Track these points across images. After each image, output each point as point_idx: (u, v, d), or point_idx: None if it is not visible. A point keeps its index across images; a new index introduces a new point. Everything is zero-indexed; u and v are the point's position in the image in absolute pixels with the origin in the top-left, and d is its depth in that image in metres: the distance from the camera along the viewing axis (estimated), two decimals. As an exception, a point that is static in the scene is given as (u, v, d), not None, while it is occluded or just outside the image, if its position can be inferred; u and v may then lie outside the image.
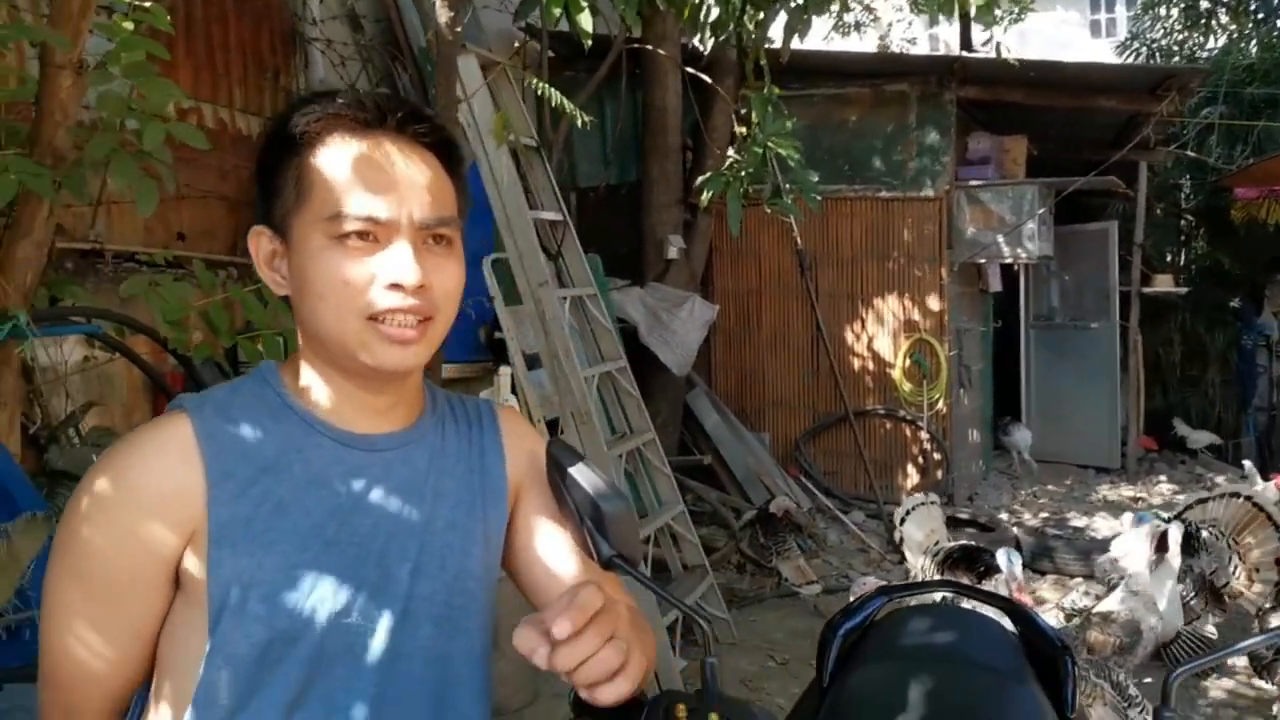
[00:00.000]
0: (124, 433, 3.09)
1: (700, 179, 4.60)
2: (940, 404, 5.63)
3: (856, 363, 5.83)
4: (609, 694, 0.74)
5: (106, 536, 0.84)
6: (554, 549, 1.02)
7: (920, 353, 5.65)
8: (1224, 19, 8.91)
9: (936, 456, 5.67)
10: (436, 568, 0.94)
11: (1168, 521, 3.52)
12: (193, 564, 0.85)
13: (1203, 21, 8.98)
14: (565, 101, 3.26)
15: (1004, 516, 5.48)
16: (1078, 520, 5.45)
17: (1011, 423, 6.81)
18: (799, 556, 4.09)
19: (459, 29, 2.97)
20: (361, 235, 0.86)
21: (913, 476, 5.74)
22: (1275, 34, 8.64)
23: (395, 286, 0.86)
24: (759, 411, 6.01)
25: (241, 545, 0.85)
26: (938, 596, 2.29)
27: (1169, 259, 7.94)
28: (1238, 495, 4.02)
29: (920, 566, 3.35)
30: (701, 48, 5.35)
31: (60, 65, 2.05)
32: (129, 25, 1.77)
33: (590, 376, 3.68)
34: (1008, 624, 1.76)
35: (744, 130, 4.47)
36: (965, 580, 3.19)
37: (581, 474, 0.99)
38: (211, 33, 3.84)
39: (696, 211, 5.50)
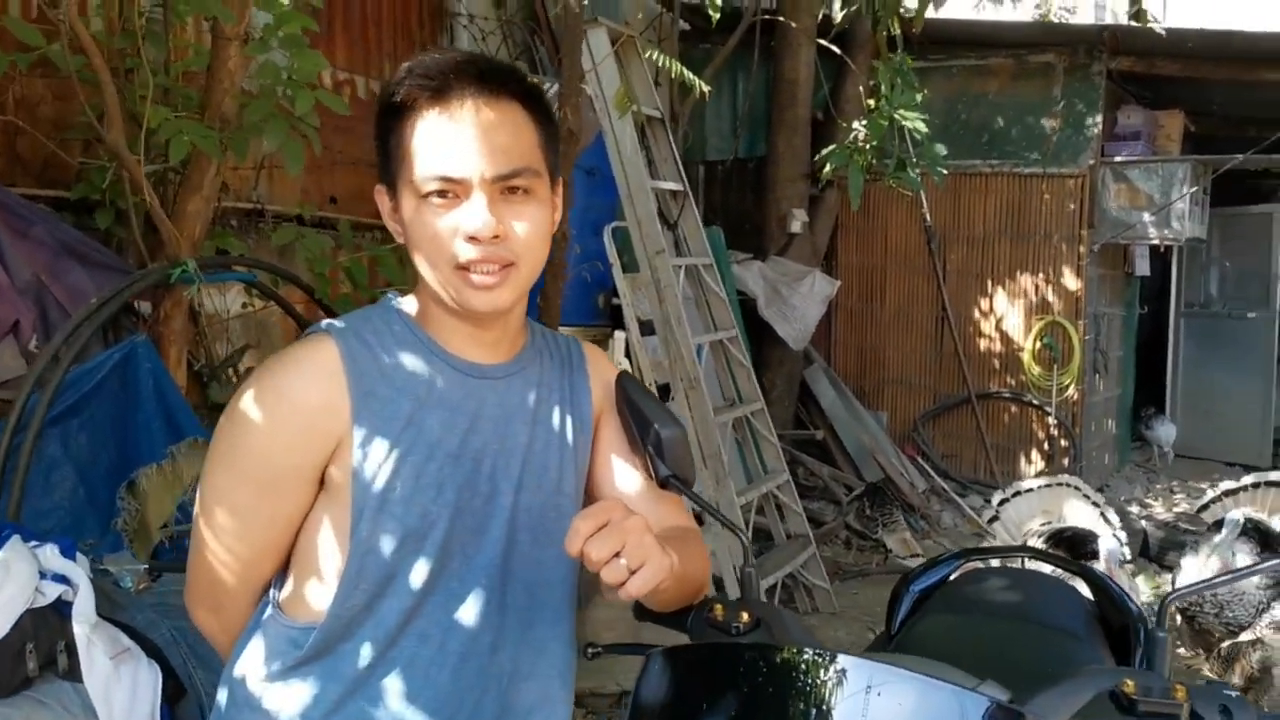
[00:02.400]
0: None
1: (824, 151, 4.60)
2: (1071, 390, 5.43)
3: (983, 344, 5.68)
4: (631, 589, 0.87)
5: (267, 440, 0.99)
6: (623, 470, 1.15)
7: (1052, 335, 5.46)
8: None
9: (1064, 444, 5.48)
10: (535, 484, 1.09)
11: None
12: (338, 468, 1.00)
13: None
14: (686, 72, 3.34)
15: (1134, 509, 5.26)
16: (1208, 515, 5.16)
17: (1155, 415, 6.48)
18: (905, 530, 4.09)
19: (587, 1, 3.10)
20: (441, 193, 0.97)
21: (1037, 463, 5.57)
22: None
23: (472, 239, 0.97)
24: (878, 390, 5.95)
25: (380, 455, 1.00)
26: (1018, 562, 2.29)
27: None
28: (1276, 484, 3.78)
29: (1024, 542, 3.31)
30: (835, 19, 5.31)
31: (229, 37, 2.30)
32: (285, 0, 1.97)
33: (701, 344, 3.78)
34: (1085, 591, 1.78)
35: (872, 103, 4.44)
36: None
37: (644, 402, 1.11)
38: (365, 8, 4.11)
39: (823, 186, 5.48)
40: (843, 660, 0.71)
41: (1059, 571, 1.88)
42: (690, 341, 3.61)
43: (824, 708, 0.67)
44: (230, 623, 1.10)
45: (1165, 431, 6.17)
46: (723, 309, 4.01)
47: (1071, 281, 5.44)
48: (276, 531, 1.04)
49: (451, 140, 0.98)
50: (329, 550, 1.02)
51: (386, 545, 1.00)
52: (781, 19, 5.18)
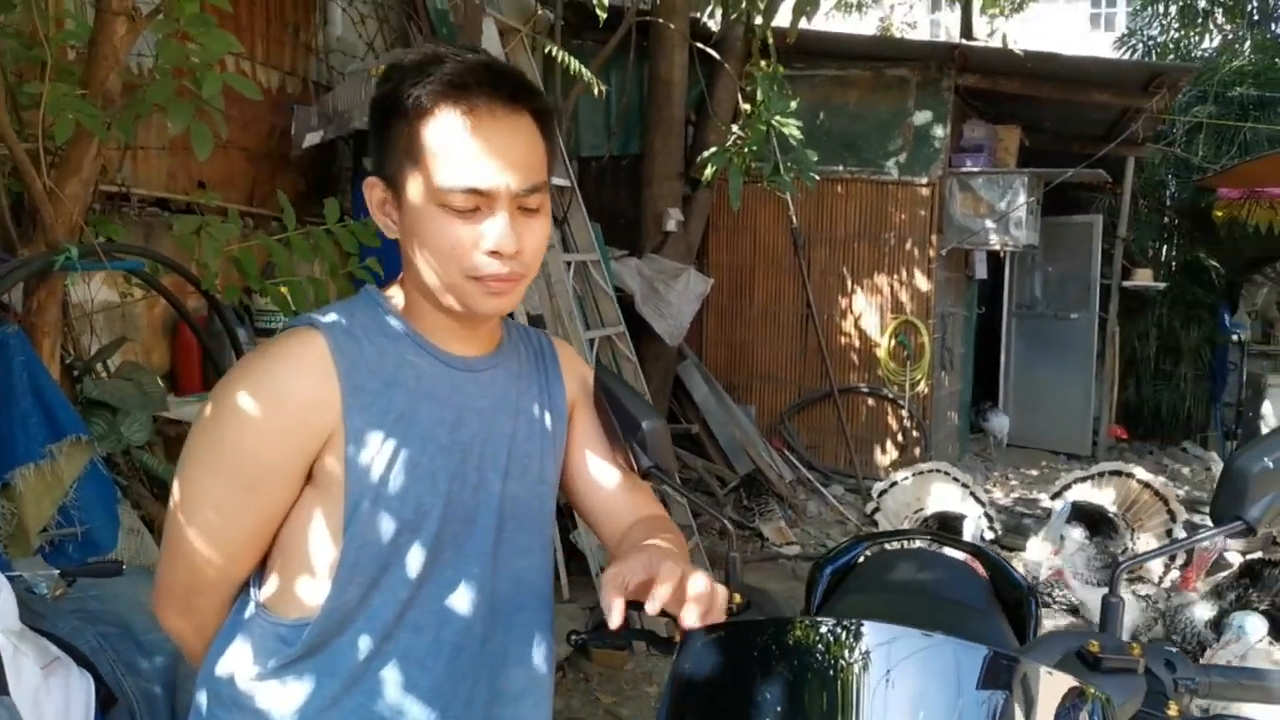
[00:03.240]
0: (152, 368, 3.19)
1: (704, 154, 4.74)
2: (922, 385, 5.82)
3: (844, 341, 6.00)
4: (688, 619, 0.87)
5: (256, 436, 0.97)
6: (598, 461, 1.19)
7: (905, 334, 5.83)
8: (1220, 19, 9.07)
9: (915, 435, 5.87)
10: (520, 472, 1.11)
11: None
12: (330, 463, 0.99)
13: (1199, 21, 9.13)
14: (584, 70, 3.38)
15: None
16: (1046, 502, 5.67)
17: (991, 408, 7.02)
18: (779, 519, 4.27)
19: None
20: (465, 203, 0.98)
21: (891, 453, 5.93)
22: (1269, 35, 8.81)
23: (494, 254, 0.99)
24: (747, 385, 6.18)
25: (374, 448, 1.00)
26: (916, 544, 2.48)
27: (1150, 254, 8.14)
28: (1119, 473, 4.26)
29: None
30: (711, 24, 5.47)
31: (116, 11, 2.16)
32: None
33: (590, 340, 3.83)
34: (979, 568, 1.95)
35: (748, 107, 4.61)
36: None
37: (625, 396, 1.16)
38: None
39: (696, 185, 5.63)
40: (869, 628, 0.79)
41: (956, 552, 2.04)
42: (582, 337, 3.65)
43: (867, 672, 0.74)
44: (204, 624, 1.07)
45: (1000, 422, 6.70)
46: (609, 305, 4.07)
47: (922, 283, 5.82)
48: (260, 529, 1.02)
49: (480, 152, 0.97)
50: (320, 544, 1.01)
51: (383, 537, 1.01)
52: (658, 20, 5.29)
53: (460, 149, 0.97)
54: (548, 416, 1.17)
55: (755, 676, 0.78)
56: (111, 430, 2.63)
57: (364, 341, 1.03)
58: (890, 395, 5.88)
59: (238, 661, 1.02)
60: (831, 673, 0.77)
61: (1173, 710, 0.85)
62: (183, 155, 3.67)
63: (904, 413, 5.86)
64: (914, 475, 3.77)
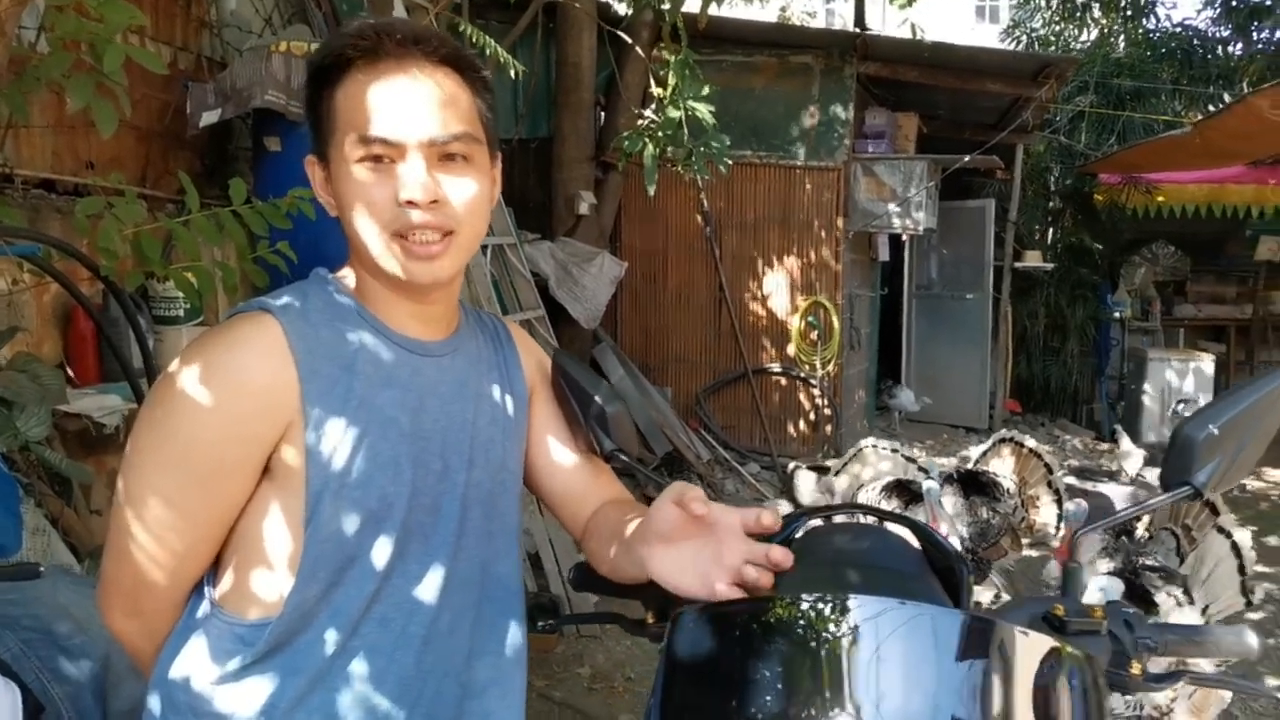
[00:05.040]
0: (47, 360, 2.99)
1: (619, 137, 4.72)
2: (832, 365, 5.96)
3: (756, 322, 6.10)
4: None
5: (209, 428, 0.92)
6: (560, 446, 1.18)
7: (815, 315, 5.96)
8: (1097, 13, 9.54)
9: (827, 413, 6.02)
10: (483, 459, 1.08)
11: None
12: (288, 453, 0.95)
13: (1078, 15, 9.59)
14: (500, 50, 3.32)
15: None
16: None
17: (895, 385, 7.25)
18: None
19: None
20: (377, 158, 0.96)
21: (804, 431, 6.07)
22: (1141, 31, 9.32)
23: (409, 203, 0.96)
24: (662, 367, 6.22)
25: (335, 436, 0.95)
26: (849, 519, 2.55)
27: (1037, 237, 8.53)
28: (1005, 440, 4.52)
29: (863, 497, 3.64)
30: (619, 7, 5.44)
31: (2, -21, 2.01)
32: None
33: (485, 314, 3.78)
34: (911, 539, 2.02)
35: (660, 91, 4.61)
36: (896, 505, 3.49)
37: (584, 379, 1.15)
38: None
39: (608, 169, 5.62)
40: (854, 601, 0.80)
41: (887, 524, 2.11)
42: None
43: (857, 644, 0.75)
44: (155, 626, 1.01)
45: (906, 398, 6.93)
46: (527, 289, 4.03)
47: (831, 265, 5.95)
48: (214, 525, 0.97)
49: (386, 102, 0.96)
50: (278, 539, 0.97)
51: (347, 529, 0.97)
52: (566, 2, 5.23)
53: (366, 101, 0.96)
54: (509, 401, 1.15)
55: (749, 654, 0.79)
56: (7, 426, 2.47)
57: (319, 325, 0.99)
58: (802, 375, 6.01)
59: (193, 664, 0.97)
60: (822, 647, 0.78)
61: (1135, 669, 0.89)
62: (68, 135, 3.45)
63: (815, 391, 5.99)
64: (856, 453, 3.90)
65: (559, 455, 1.18)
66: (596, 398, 1.12)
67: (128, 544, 0.95)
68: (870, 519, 2.30)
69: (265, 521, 0.97)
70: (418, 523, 1.02)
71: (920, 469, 3.43)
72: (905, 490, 3.56)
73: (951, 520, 3.25)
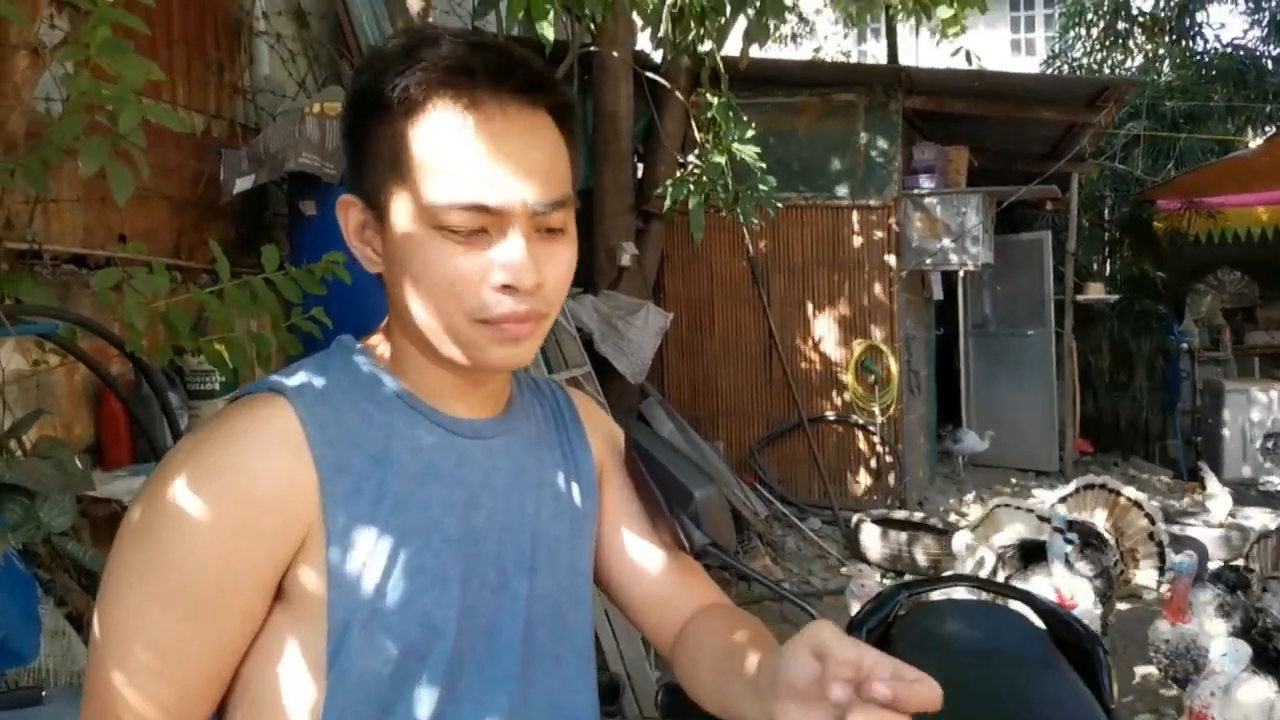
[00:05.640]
0: (75, 442, 2.85)
1: (663, 186, 4.57)
2: (892, 409, 5.69)
3: (808, 369, 5.85)
4: None
5: (208, 549, 0.73)
6: (638, 540, 0.96)
7: (871, 359, 5.71)
8: (1140, 38, 9.31)
9: (889, 461, 5.72)
10: (547, 565, 0.87)
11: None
12: (305, 574, 0.75)
13: (1120, 41, 9.36)
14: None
15: (953, 519, 5.56)
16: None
17: (959, 428, 6.92)
18: (764, 557, 4.06)
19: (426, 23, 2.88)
20: (469, 224, 0.76)
21: (866, 481, 5.78)
22: (1189, 53, 9.06)
23: (508, 289, 0.77)
24: (712, 419, 5.98)
25: (366, 549, 0.75)
26: (956, 593, 2.29)
27: (1095, 268, 8.22)
28: (1091, 487, 4.19)
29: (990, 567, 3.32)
30: (659, 53, 5.33)
31: (15, 44, 1.90)
32: (107, -4, 1.63)
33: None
34: (1030, 615, 1.76)
35: (703, 136, 4.46)
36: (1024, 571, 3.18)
37: (668, 459, 0.94)
38: (153, 26, 3.65)
39: (649, 218, 5.46)
40: None
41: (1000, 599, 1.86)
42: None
43: None
44: None
45: (971, 440, 6.59)
46: (573, 346, 3.85)
47: (884, 308, 5.71)
48: (216, 665, 0.76)
49: (487, 158, 0.75)
50: (297, 683, 0.76)
51: (381, 669, 0.76)
52: (602, 51, 5.13)
53: (462, 155, 0.75)
54: (575, 490, 0.94)
55: None
56: (29, 517, 2.30)
57: (343, 407, 0.79)
58: (860, 422, 5.74)
59: None
60: None
61: None
62: (99, 208, 3.36)
63: (875, 439, 5.71)
64: (988, 514, 3.60)
65: (638, 552, 0.96)
66: (682, 481, 0.91)
67: (106, 696, 0.75)
68: (975, 593, 2.05)
69: (278, 662, 0.77)
70: (471, 652, 0.81)
71: (1056, 528, 3.08)
72: (1032, 555, 3.24)
73: (1088, 585, 2.89)
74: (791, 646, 0.66)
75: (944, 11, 3.55)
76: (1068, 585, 2.90)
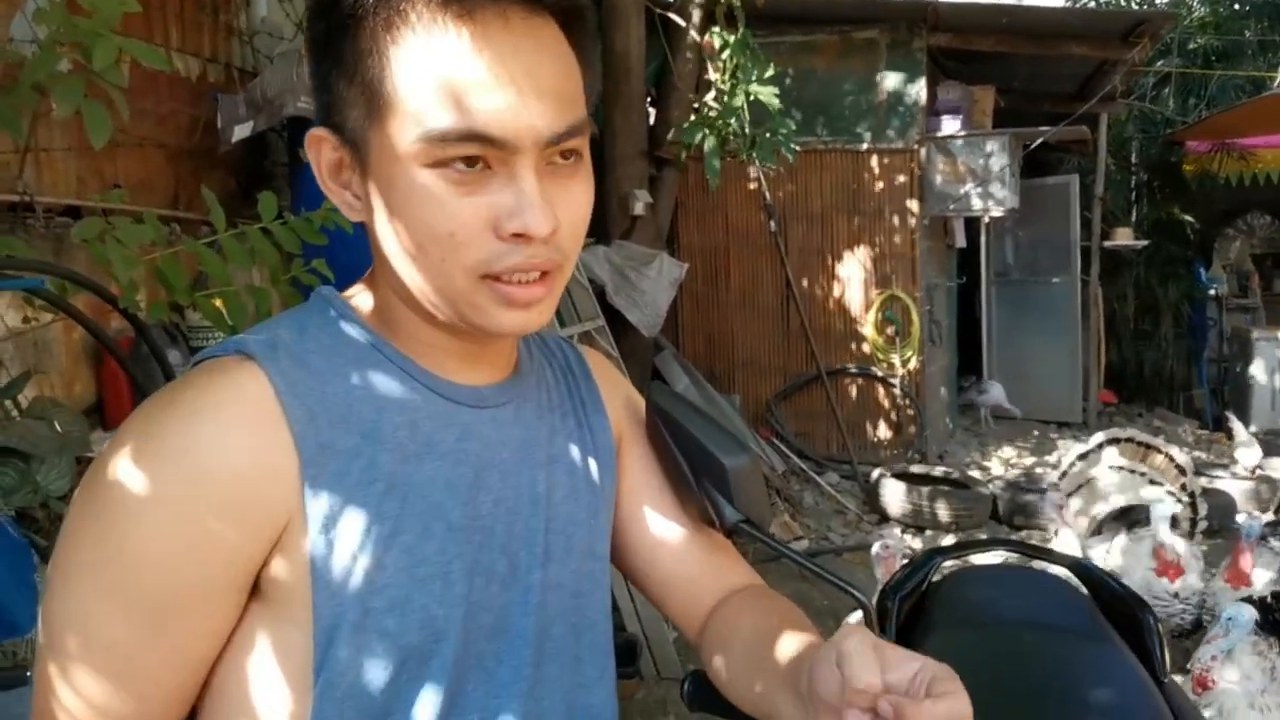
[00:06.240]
0: (75, 401, 2.74)
1: (676, 129, 4.39)
2: (912, 362, 5.55)
3: (827, 320, 5.71)
4: None
5: (166, 544, 0.62)
6: (660, 517, 0.86)
7: (892, 309, 5.56)
8: (1172, -28, 8.95)
9: (910, 414, 5.61)
10: (563, 550, 0.76)
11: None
12: (284, 567, 0.64)
13: (1151, -25, 9.00)
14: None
15: (974, 473, 5.45)
16: (1050, 475, 5.44)
17: (981, 380, 6.77)
18: (783, 514, 3.97)
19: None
20: (469, 161, 0.63)
21: (885, 435, 5.67)
22: (1223, -13, 8.71)
23: (520, 236, 0.64)
24: (728, 373, 5.86)
25: (354, 539, 0.64)
26: (992, 556, 2.18)
27: (1120, 214, 7.99)
28: (1117, 440, 4.05)
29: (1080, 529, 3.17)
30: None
31: (-17, -24, 1.76)
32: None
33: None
34: (1076, 583, 1.65)
35: (717, 77, 4.27)
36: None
37: (696, 425, 0.82)
38: (142, -36, 3.48)
39: (662, 164, 5.29)
40: None
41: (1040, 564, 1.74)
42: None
43: None
44: None
45: (997, 392, 6.43)
46: (585, 298, 3.73)
47: (906, 256, 5.54)
48: (180, 675, 0.66)
49: (489, 77, 0.62)
50: (278, 693, 0.66)
51: (375, 677, 0.65)
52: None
53: (458, 75, 0.62)
54: (591, 463, 0.82)
55: None
56: (25, 480, 2.22)
57: (325, 373, 0.68)
58: (880, 375, 5.61)
59: None
60: None
61: None
62: (93, 157, 3.23)
63: (895, 391, 5.59)
64: (1087, 481, 3.45)
65: (661, 529, 0.85)
66: (711, 449, 0.79)
67: (53, 707, 0.64)
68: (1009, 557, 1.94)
69: (256, 669, 0.66)
70: (477, 655, 0.70)
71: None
72: (1136, 521, 3.11)
73: (1198, 552, 2.73)
74: (822, 659, 0.59)
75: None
76: (1173, 549, 2.75)
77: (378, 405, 0.68)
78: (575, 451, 0.81)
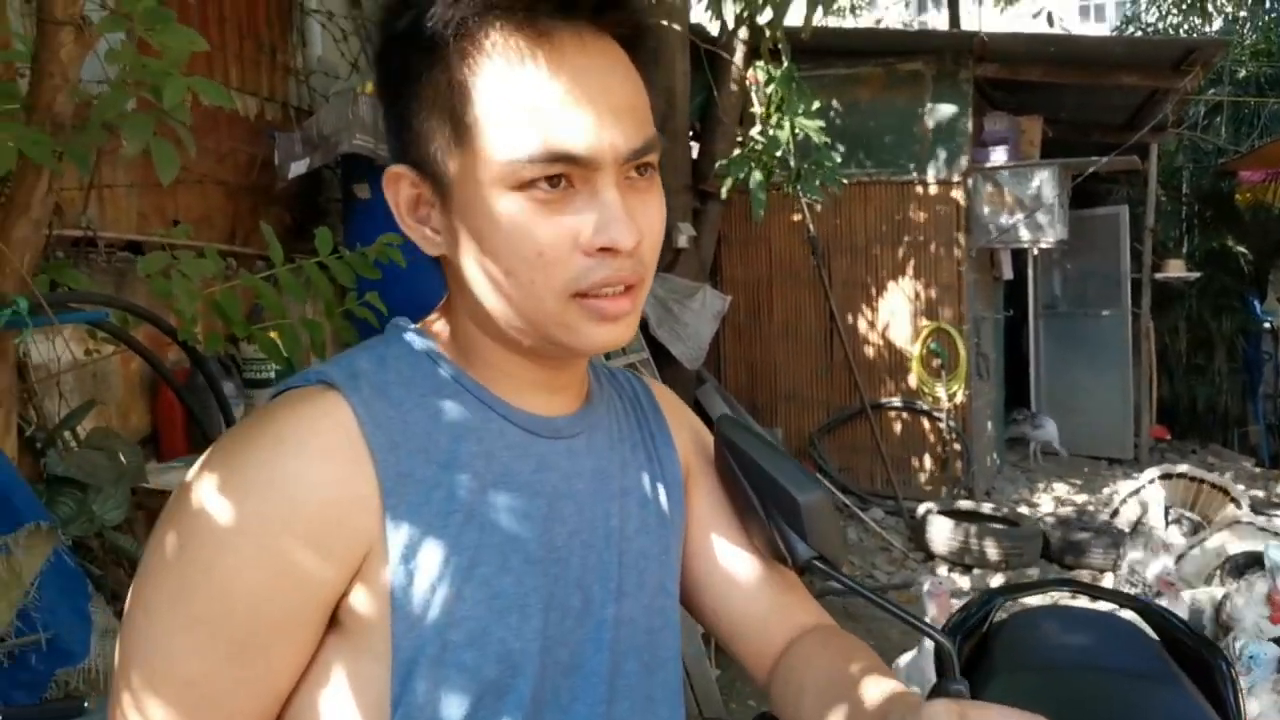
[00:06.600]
0: (131, 432, 2.79)
1: (721, 164, 4.41)
2: (959, 395, 5.47)
3: (871, 353, 5.66)
4: None
5: (252, 575, 0.61)
6: (730, 553, 0.84)
7: (939, 342, 5.49)
8: (1221, 0, 8.84)
9: (957, 449, 5.51)
10: (635, 585, 0.75)
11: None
12: (364, 598, 0.64)
13: (1198, 3, 8.90)
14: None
15: (1023, 510, 5.34)
16: (1101, 514, 5.31)
17: (1035, 414, 6.65)
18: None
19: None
20: (552, 181, 0.64)
21: (931, 470, 5.58)
22: (1271, 14, 8.58)
23: (606, 250, 0.65)
24: (770, 406, 5.82)
25: (434, 570, 0.64)
26: (1055, 596, 2.13)
27: (1172, 245, 7.85)
28: (1170, 475, 3.94)
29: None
30: (715, 25, 5.16)
31: (60, 20, 1.82)
32: (149, -39, 1.54)
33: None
34: (1142, 624, 1.60)
35: (762, 110, 4.29)
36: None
37: (767, 459, 0.80)
38: (205, 5, 3.59)
39: (705, 198, 5.31)
40: None
41: (1109, 607, 1.69)
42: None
43: None
44: None
45: (1050, 430, 6.32)
46: (631, 330, 3.73)
47: (953, 288, 5.49)
48: (260, 708, 0.65)
49: (568, 99, 0.63)
50: None
51: (452, 712, 0.65)
52: (655, 21, 4.97)
53: (538, 97, 0.63)
54: (662, 496, 0.81)
55: None
56: (82, 510, 2.26)
57: (406, 404, 0.68)
58: (925, 408, 5.53)
59: None
60: None
61: None
62: (155, 194, 3.32)
63: (941, 426, 5.50)
64: (1230, 523, 3.39)
65: (732, 565, 0.84)
66: (784, 484, 0.78)
67: None
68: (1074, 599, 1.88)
69: (332, 702, 0.65)
70: (553, 691, 0.69)
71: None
72: (1250, 566, 3.04)
73: None
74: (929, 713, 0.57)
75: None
76: None
77: (455, 435, 0.68)
78: (646, 484, 0.80)
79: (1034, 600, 2.43)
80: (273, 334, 2.35)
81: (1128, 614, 1.61)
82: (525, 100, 0.63)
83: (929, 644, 2.84)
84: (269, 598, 0.62)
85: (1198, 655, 1.47)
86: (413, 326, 0.75)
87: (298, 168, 3.57)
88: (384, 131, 0.72)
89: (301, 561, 0.62)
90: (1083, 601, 2.00)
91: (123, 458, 2.37)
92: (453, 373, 0.71)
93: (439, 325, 0.75)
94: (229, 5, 3.69)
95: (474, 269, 0.67)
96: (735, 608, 0.84)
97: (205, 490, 0.62)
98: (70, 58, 1.87)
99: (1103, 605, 1.77)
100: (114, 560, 2.29)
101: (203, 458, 0.66)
